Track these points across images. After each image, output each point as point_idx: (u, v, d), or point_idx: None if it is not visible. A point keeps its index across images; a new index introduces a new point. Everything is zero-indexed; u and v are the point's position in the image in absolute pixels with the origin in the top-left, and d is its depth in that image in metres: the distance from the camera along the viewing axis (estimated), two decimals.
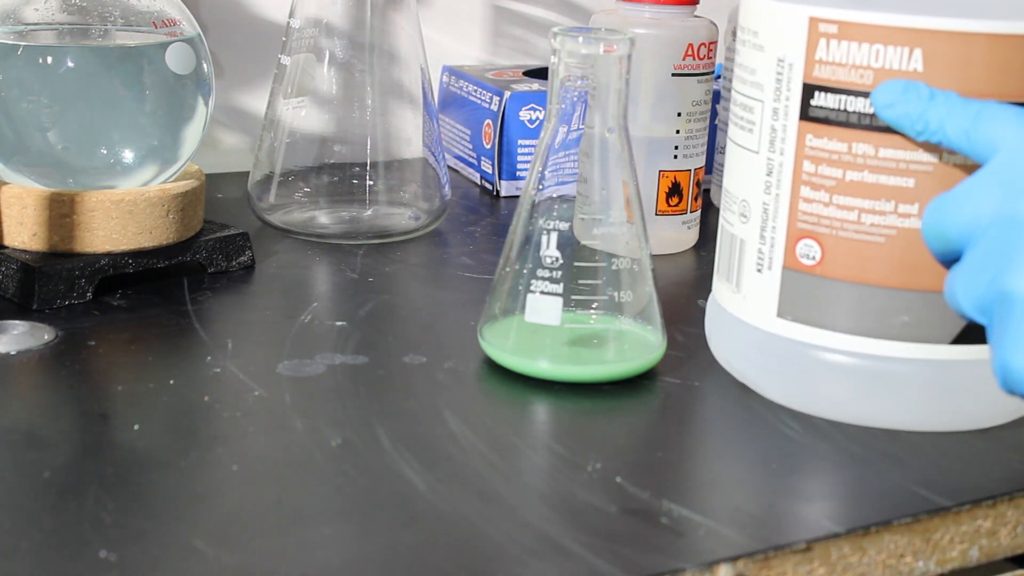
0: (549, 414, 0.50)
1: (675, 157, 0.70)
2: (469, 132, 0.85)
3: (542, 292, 0.52)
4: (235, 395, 0.50)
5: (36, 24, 0.61)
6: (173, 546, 0.39)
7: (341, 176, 0.72)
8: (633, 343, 0.53)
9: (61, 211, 0.59)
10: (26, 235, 0.59)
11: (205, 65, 0.63)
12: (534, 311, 0.52)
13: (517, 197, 0.82)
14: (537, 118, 0.81)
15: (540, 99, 0.81)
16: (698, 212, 0.73)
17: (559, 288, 0.52)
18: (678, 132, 0.70)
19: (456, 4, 0.94)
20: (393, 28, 0.72)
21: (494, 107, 0.81)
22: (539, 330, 0.52)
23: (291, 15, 0.71)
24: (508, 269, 0.53)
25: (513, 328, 0.53)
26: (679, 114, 0.69)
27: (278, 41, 0.73)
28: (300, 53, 0.71)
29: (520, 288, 0.52)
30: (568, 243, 0.52)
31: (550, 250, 0.52)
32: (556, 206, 0.52)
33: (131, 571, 0.37)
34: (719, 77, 0.83)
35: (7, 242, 0.60)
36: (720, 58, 0.86)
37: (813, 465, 0.47)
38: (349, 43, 0.71)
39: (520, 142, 0.81)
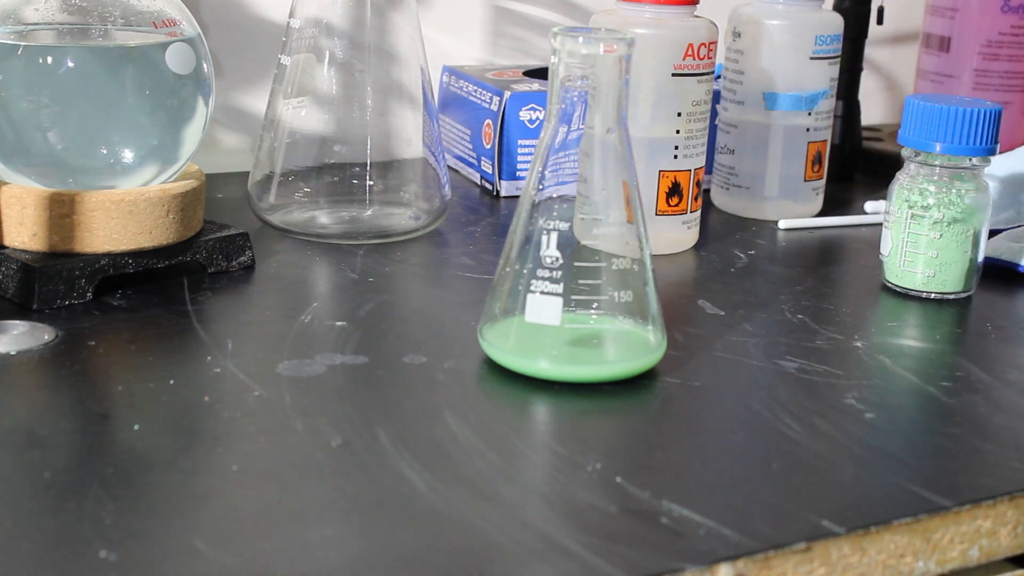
0: (549, 414, 0.50)
1: (675, 157, 0.70)
2: (469, 132, 0.85)
3: (542, 292, 0.52)
4: (235, 395, 0.50)
5: (36, 24, 0.61)
6: (173, 546, 0.39)
7: (341, 176, 0.72)
8: (633, 343, 0.53)
9: (61, 211, 0.59)
10: (26, 235, 0.59)
11: (205, 65, 0.63)
12: (534, 311, 0.52)
13: (517, 197, 0.82)
14: (537, 118, 0.81)
15: (540, 99, 0.81)
16: (698, 212, 0.73)
17: (559, 288, 0.52)
18: (678, 132, 0.70)
19: (456, 4, 0.94)
20: (393, 28, 0.72)
21: (494, 107, 0.81)
22: (539, 330, 0.52)
23: (291, 15, 0.71)
24: (508, 269, 0.53)
25: (513, 328, 0.53)
26: (679, 114, 0.69)
27: (278, 41, 0.73)
28: (300, 53, 0.71)
29: (520, 288, 0.52)
30: (568, 243, 0.52)
31: (550, 250, 0.52)
32: (556, 206, 0.52)
33: (131, 571, 0.37)
34: (719, 77, 0.83)
35: (7, 242, 0.60)
36: (720, 58, 0.86)
37: (813, 465, 0.47)
38: (349, 43, 0.71)
39: (520, 142, 0.81)
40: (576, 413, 0.50)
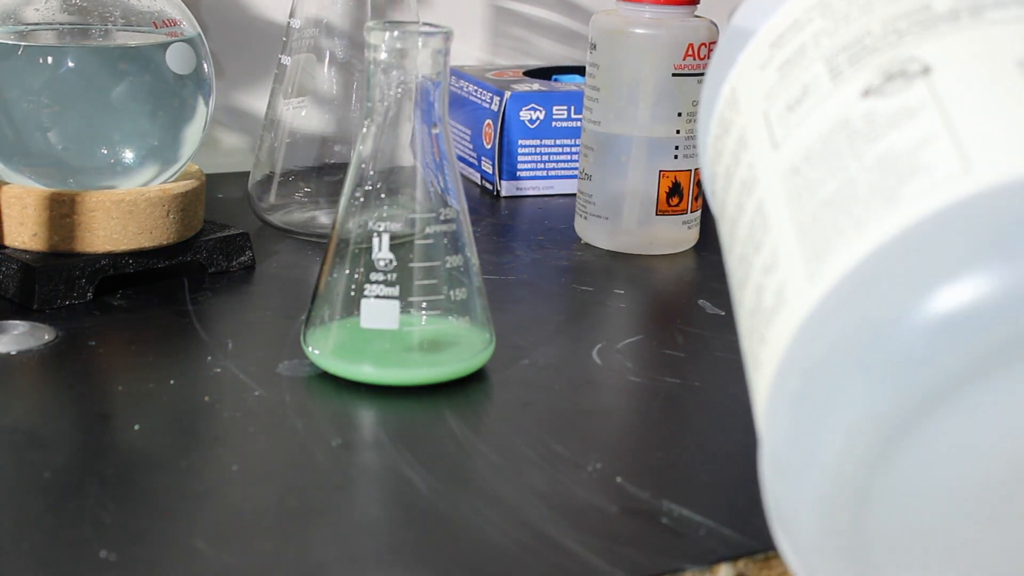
0: (550, 414, 0.50)
1: (675, 157, 0.70)
2: (469, 132, 0.85)
3: (377, 296, 0.50)
4: (235, 395, 0.50)
5: (36, 24, 0.61)
6: (173, 546, 0.39)
7: (341, 176, 0.72)
8: (467, 342, 0.52)
9: (61, 211, 0.59)
10: (26, 235, 0.59)
11: (205, 65, 0.63)
12: (369, 316, 0.50)
13: (518, 197, 0.82)
14: (537, 118, 0.81)
15: (540, 99, 0.81)
16: (698, 212, 0.73)
17: (395, 291, 0.50)
18: (678, 132, 0.70)
19: (456, 4, 0.94)
20: None
21: (494, 107, 0.81)
22: (373, 334, 0.50)
23: (291, 15, 0.71)
24: (336, 275, 0.51)
25: (341, 332, 0.51)
26: (679, 114, 0.69)
27: (278, 41, 0.73)
28: (300, 53, 0.71)
29: (353, 293, 0.50)
30: (399, 244, 0.50)
31: (382, 252, 0.50)
32: (385, 206, 0.50)
33: (131, 571, 0.37)
34: None
35: (7, 242, 0.60)
36: None
37: None
38: (349, 43, 0.71)
39: (520, 142, 0.81)
40: (576, 413, 0.50)
